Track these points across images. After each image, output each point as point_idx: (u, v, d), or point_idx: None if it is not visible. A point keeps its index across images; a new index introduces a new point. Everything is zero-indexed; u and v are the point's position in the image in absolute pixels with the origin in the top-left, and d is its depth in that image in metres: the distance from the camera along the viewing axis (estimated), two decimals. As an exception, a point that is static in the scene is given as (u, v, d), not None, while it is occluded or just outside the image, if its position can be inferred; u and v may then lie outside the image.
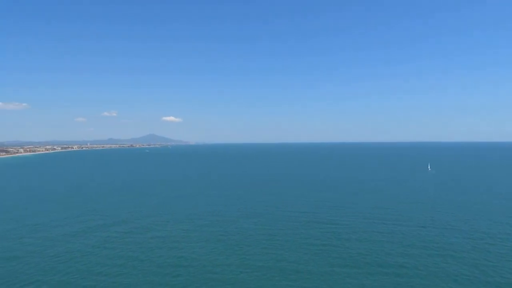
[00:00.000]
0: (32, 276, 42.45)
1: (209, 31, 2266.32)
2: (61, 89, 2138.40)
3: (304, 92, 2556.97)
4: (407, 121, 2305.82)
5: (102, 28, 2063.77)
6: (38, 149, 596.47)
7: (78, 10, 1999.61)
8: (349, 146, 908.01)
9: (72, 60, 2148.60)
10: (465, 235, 57.49)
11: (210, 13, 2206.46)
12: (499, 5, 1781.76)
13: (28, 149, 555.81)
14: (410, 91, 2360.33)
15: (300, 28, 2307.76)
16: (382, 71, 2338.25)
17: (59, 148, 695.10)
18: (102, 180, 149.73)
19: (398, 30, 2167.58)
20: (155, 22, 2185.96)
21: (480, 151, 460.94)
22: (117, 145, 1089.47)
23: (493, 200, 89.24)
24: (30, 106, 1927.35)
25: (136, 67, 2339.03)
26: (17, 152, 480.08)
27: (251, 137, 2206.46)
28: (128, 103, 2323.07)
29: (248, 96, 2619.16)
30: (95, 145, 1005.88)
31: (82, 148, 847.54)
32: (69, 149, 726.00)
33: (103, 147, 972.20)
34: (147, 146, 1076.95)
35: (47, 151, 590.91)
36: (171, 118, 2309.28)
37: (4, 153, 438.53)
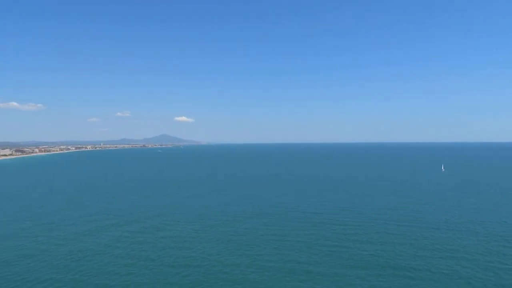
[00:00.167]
0: (46, 274, 43.29)
1: (214, 31, 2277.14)
2: (76, 90, 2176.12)
3: (307, 92, 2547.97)
4: (407, 121, 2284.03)
5: (116, 29, 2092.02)
6: (52, 149, 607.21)
7: (98, 11, 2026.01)
8: (354, 147, 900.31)
9: (87, 61, 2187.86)
10: (479, 237, 56.47)
11: (213, 14, 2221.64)
12: (501, 6, 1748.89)
13: (43, 149, 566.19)
14: (410, 91, 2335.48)
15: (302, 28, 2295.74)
16: (382, 71, 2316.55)
17: (73, 148, 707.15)
18: (115, 180, 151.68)
19: (398, 30, 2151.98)
20: (166, 22, 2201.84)
21: (487, 152, 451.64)
22: (130, 145, 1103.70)
23: (507, 201, 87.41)
24: (45, 106, 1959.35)
25: (149, 68, 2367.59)
26: (32, 152, 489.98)
27: (257, 138, 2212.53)
28: (141, 103, 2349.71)
29: (250, 96, 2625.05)
30: (108, 145, 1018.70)
31: (95, 148, 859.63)
32: (83, 149, 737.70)
33: (116, 147, 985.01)
34: (159, 146, 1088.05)
35: (61, 151, 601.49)
36: (183, 118, 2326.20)
37: (20, 153, 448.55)
